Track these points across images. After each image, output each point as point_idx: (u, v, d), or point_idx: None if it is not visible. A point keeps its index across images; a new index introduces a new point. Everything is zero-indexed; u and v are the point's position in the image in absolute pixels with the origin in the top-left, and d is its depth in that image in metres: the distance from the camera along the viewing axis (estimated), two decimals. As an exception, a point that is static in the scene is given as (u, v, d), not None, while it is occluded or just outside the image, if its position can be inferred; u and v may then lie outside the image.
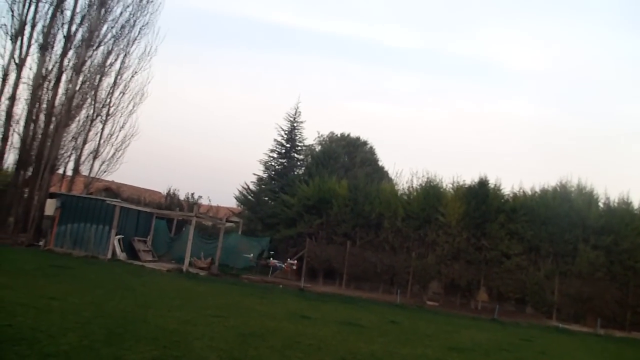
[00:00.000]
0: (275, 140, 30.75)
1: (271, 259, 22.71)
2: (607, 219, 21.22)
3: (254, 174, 30.57)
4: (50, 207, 23.57)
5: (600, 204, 22.34)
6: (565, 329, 18.28)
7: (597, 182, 41.66)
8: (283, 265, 22.44)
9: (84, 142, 26.86)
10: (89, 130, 26.94)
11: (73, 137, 26.49)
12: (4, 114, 24.07)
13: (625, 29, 64.70)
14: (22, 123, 24.55)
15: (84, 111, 26.64)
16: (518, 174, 61.98)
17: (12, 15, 23.78)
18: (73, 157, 26.81)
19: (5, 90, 24.14)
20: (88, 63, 25.92)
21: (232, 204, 33.83)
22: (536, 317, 20.38)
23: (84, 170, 27.47)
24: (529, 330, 16.30)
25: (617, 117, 57.94)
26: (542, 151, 57.47)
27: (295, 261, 22.45)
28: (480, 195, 22.35)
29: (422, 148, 59.21)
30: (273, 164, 30.83)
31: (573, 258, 20.94)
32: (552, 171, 58.47)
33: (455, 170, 45.39)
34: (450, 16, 71.36)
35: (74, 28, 25.26)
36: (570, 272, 20.73)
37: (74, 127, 26.35)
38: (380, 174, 32.58)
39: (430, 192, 23.29)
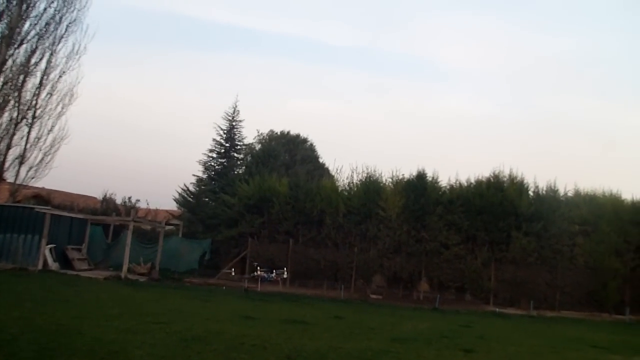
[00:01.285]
0: (214, 140, 30.18)
1: (258, 269, 22.05)
2: (537, 207, 22.41)
3: (194, 175, 29.89)
4: (-28, 217, 22.01)
5: (530, 193, 23.57)
6: (501, 313, 19.17)
7: (528, 171, 43.81)
8: (272, 276, 21.80)
9: (8, 147, 25.10)
10: (13, 134, 25.21)
11: (-5, 142, 24.78)
12: None
13: (550, 25, 68.36)
14: (-64, 128, 22.77)
15: (6, 114, 24.89)
16: (454, 166, 64.11)
17: None
18: (-4, 164, 25.10)
19: None
20: (9, 62, 24.31)
21: (172, 206, 32.97)
22: (475, 304, 21.27)
23: (9, 177, 25.75)
24: (468, 317, 16.94)
25: (545, 108, 61.14)
26: (476, 143, 59.81)
27: (285, 269, 21.88)
28: (418, 189, 22.93)
29: (362, 144, 60.10)
30: (212, 164, 30.26)
31: (507, 245, 21.96)
32: (485, 162, 60.97)
33: (394, 165, 46.42)
34: (386, 13, 72.80)
35: (-9, 25, 23.65)
36: (505, 259, 21.73)
37: (-5, 131, 24.66)
38: (321, 170, 32.78)
39: (370, 187, 23.66)
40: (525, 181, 23.70)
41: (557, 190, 23.63)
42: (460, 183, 23.94)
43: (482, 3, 70.99)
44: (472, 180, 23.75)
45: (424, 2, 71.41)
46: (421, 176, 23.59)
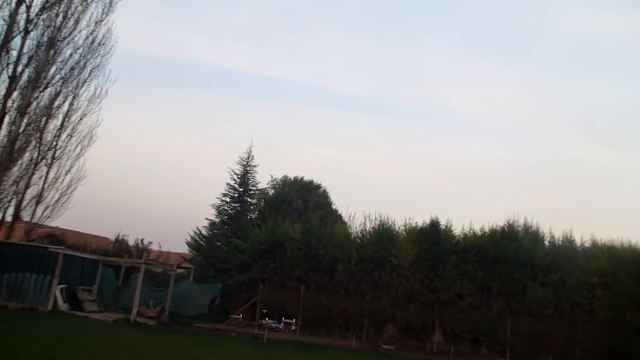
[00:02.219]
0: (228, 184, 30.41)
1: (266, 319, 21.72)
2: (553, 257, 21.94)
3: (207, 219, 29.94)
4: (-14, 256, 22.13)
5: (546, 243, 23.14)
6: (518, 368, 18.44)
7: (543, 220, 43.17)
8: (280, 326, 21.46)
9: (27, 187, 25.63)
10: (33, 174, 25.78)
11: (14, 181, 25.19)
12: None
13: (563, 74, 69.10)
14: (-41, 167, 23.30)
15: (27, 154, 25.56)
16: (468, 215, 63.46)
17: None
18: (13, 202, 25.46)
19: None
20: (34, 104, 25.09)
21: (184, 249, 32.90)
22: (490, 357, 20.55)
23: (26, 216, 26.13)
24: (484, 371, 16.33)
25: (559, 156, 60.92)
26: (490, 192, 59.45)
27: (294, 320, 21.51)
28: (432, 237, 22.67)
29: (375, 191, 59.98)
30: (226, 208, 30.36)
31: (523, 296, 21.38)
32: (499, 211, 60.32)
33: (407, 212, 46.13)
34: (398, 62, 74.28)
35: (20, 68, 24.43)
36: (521, 311, 21.10)
37: (15, 170, 25.16)
38: (334, 217, 32.65)
39: (383, 235, 23.45)
40: (540, 230, 23.34)
41: (574, 240, 23.17)
42: (474, 232, 23.63)
43: (494, 51, 72.24)
44: (487, 229, 23.43)
45: (436, 51, 72.86)
46: (434, 224, 23.37)
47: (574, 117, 65.86)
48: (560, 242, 23.08)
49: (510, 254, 21.83)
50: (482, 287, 21.90)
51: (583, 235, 23.43)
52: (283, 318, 22.02)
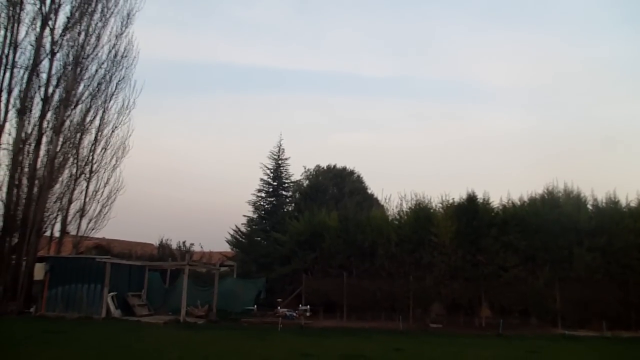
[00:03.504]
0: (261, 179, 30.82)
1: (279, 308, 21.98)
2: (598, 220, 21.32)
3: (244, 216, 30.48)
4: (39, 271, 23.08)
5: (589, 206, 22.46)
6: (572, 336, 18.06)
7: (583, 184, 41.87)
8: (294, 314, 21.56)
9: (70, 202, 26.60)
10: (74, 189, 26.72)
11: (58, 198, 26.17)
12: (-16, 181, 23.85)
13: (594, 34, 66.53)
14: (4, 189, 24.29)
15: (66, 171, 26.47)
16: (505, 186, 62.17)
17: (-13, 84, 23.87)
18: (59, 218, 26.45)
19: (-15, 157, 24.02)
20: (67, 122, 25.93)
21: (225, 247, 33.56)
22: (541, 327, 20.14)
23: (72, 230, 27.13)
24: (535, 342, 16.04)
25: (593, 120, 58.95)
26: (526, 160, 58.04)
27: (308, 307, 21.60)
28: (470, 211, 22.36)
29: (409, 171, 59.56)
30: (262, 203, 30.79)
31: (570, 263, 20.86)
32: (538, 179, 58.90)
33: (442, 189, 45.29)
34: (423, 40, 73.04)
35: (50, 90, 25.34)
36: (569, 278, 20.58)
37: (57, 187, 26.07)
38: (370, 201, 32.60)
39: (421, 214, 23.27)
40: (582, 194, 22.68)
41: (618, 201, 22.33)
42: (513, 202, 23.16)
43: (515, 16, 70.10)
44: (526, 198, 22.95)
45: (457, 24, 71.24)
46: (471, 198, 23.03)
47: (609, 74, 63.40)
48: (604, 204, 22.35)
49: (552, 221, 21.30)
50: (526, 258, 21.47)
51: (628, 195, 22.52)
52: (300, 305, 22.10)
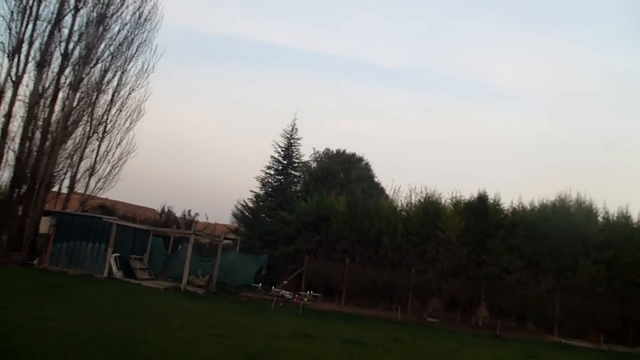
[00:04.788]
0: (272, 157, 30.67)
1: (273, 287, 21.76)
2: (607, 234, 21.16)
3: (251, 191, 30.42)
4: (45, 225, 23.24)
5: (600, 219, 22.32)
6: (568, 345, 18.09)
7: (596, 195, 41.60)
8: (289, 296, 20.75)
9: (80, 160, 26.57)
10: (85, 147, 26.66)
11: (69, 155, 26.15)
12: (-1, 131, 23.86)
13: (610, 42, 65.53)
14: (17, 140, 24.32)
15: (80, 128, 26.41)
16: (516, 189, 61.73)
17: (10, 33, 23.72)
18: (69, 175, 26.50)
19: (1, 107, 23.98)
20: (85, 80, 25.78)
21: (229, 221, 33.63)
22: (537, 333, 20.16)
23: (80, 188, 27.17)
24: (532, 346, 16.09)
25: (608, 129, 58.38)
26: (539, 165, 57.63)
27: (309, 292, 21.05)
28: (479, 211, 22.25)
29: (418, 164, 59.27)
30: (270, 180, 30.70)
31: (574, 273, 20.78)
32: (549, 186, 58.61)
33: (453, 186, 45.03)
34: (441, 35, 72.16)
35: (71, 46, 25.18)
36: (571, 287, 20.51)
37: (70, 144, 26.05)
38: (376, 190, 32.50)
39: (429, 208, 23.18)
40: (594, 206, 22.51)
41: (630, 216, 22.18)
42: (523, 206, 23.04)
43: (534, 20, 69.09)
44: (536, 204, 22.82)
45: (476, 21, 70.27)
46: (482, 198, 22.90)
47: (623, 87, 62.64)
48: (615, 218, 22.19)
49: (561, 229, 21.17)
50: (530, 263, 21.41)
51: (640, 212, 22.41)
52: (301, 287, 21.91)
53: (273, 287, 21.87)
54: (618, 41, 65.62)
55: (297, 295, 19.49)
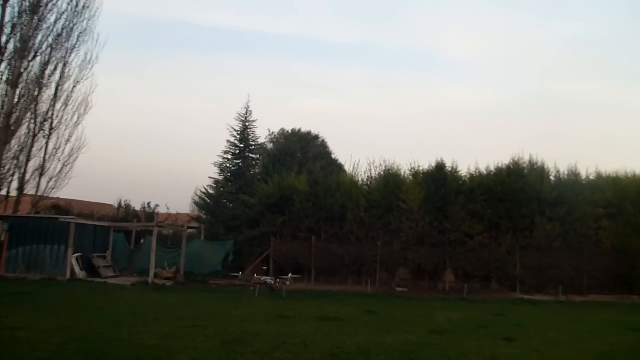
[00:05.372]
0: (228, 141, 30.28)
1: (254, 275, 21.47)
2: (559, 191, 22.14)
3: (210, 177, 30.02)
4: (-4, 230, 22.24)
5: (552, 177, 23.29)
6: (530, 300, 18.98)
7: (547, 156, 43.21)
8: (271, 282, 19.62)
9: (27, 159, 25.41)
10: (32, 146, 25.50)
11: (14, 155, 24.98)
12: None
13: (557, 6, 67.56)
14: (-45, 144, 23.01)
15: (24, 126, 25.18)
16: (472, 155, 63.38)
17: None
18: (17, 176, 25.31)
19: None
20: (24, 75, 24.50)
21: (190, 209, 33.11)
22: (501, 291, 21.07)
23: (30, 189, 26.02)
24: (498, 305, 16.78)
25: (554, 93, 60.48)
26: (491, 132, 59.31)
27: (289, 275, 20.05)
28: (438, 179, 22.75)
29: (374, 138, 59.85)
30: (228, 165, 30.36)
31: (531, 231, 21.70)
32: (503, 150, 60.32)
33: (412, 157, 45.76)
34: (387, 8, 72.32)
35: (4, 39, 23.81)
36: (529, 245, 21.48)
37: (14, 144, 24.86)
38: (335, 166, 32.69)
39: (390, 180, 23.50)
40: (545, 166, 23.47)
41: (579, 173, 23.31)
42: (479, 171, 23.61)
43: (487, -12, 70.30)
44: (492, 168, 23.44)
45: (428, -9, 70.79)
46: (440, 166, 23.40)
47: (574, 51, 64.87)
48: (565, 176, 23.24)
49: (517, 190, 21.99)
50: (490, 225, 22.18)
51: (588, 168, 23.51)
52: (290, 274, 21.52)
53: (254, 274, 21.10)
54: (563, 6, 67.61)
55: (278, 280, 19.36)
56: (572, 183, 22.77)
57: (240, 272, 21.37)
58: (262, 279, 19.42)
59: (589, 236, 21.69)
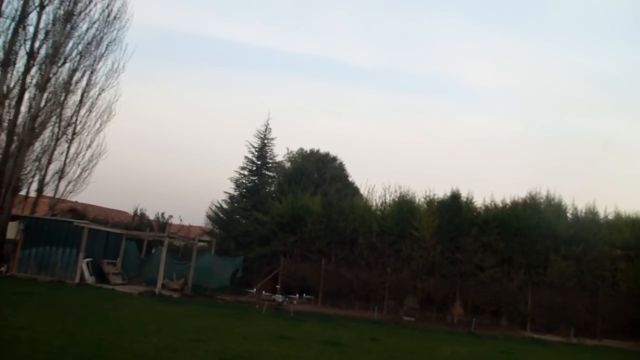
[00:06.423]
0: (246, 157, 30.46)
1: (263, 292, 21.20)
2: (576, 229, 21.72)
3: (225, 192, 30.16)
4: (13, 230, 22.55)
5: (569, 215, 22.91)
6: (540, 340, 18.49)
7: (565, 193, 42.60)
8: (281, 301, 19.78)
9: (49, 162, 25.87)
10: (54, 149, 25.97)
11: (37, 157, 25.44)
12: (-38, 133, 23.05)
13: (582, 42, 67.39)
14: (-19, 143, 23.54)
15: (48, 130, 25.70)
16: (488, 187, 62.65)
17: (-30, 31, 22.94)
18: (37, 178, 25.76)
19: (-37, 108, 23.17)
20: (53, 80, 25.08)
21: (203, 222, 33.22)
22: (511, 329, 20.57)
23: (49, 191, 26.46)
24: (507, 343, 16.39)
25: (578, 129, 59.95)
26: (511, 164, 58.68)
27: (297, 295, 20.28)
28: (453, 209, 22.55)
29: (391, 164, 59.58)
30: (244, 181, 30.48)
31: (544, 268, 21.30)
32: (521, 183, 59.65)
33: (427, 185, 45.38)
34: (413, 35, 72.87)
35: (37, 44, 24.41)
36: (542, 283, 21.04)
37: (37, 146, 25.32)
38: (351, 189, 32.56)
39: (404, 207, 23.36)
40: (563, 202, 23.10)
41: (597, 212, 22.86)
42: (495, 204, 23.36)
43: (506, 22, 70.51)
44: (508, 201, 23.17)
45: (448, 22, 71.23)
46: (455, 196, 23.22)
47: (597, 87, 64.43)
48: (583, 214, 22.82)
49: (532, 226, 21.65)
50: (503, 260, 21.81)
51: (607, 208, 23.08)
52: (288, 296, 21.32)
53: (263, 292, 21.33)
54: (588, 42, 67.42)
55: (287, 299, 19.24)
56: (589, 222, 22.34)
57: (255, 289, 21.26)
58: (273, 296, 19.30)
59: (605, 278, 21.15)
